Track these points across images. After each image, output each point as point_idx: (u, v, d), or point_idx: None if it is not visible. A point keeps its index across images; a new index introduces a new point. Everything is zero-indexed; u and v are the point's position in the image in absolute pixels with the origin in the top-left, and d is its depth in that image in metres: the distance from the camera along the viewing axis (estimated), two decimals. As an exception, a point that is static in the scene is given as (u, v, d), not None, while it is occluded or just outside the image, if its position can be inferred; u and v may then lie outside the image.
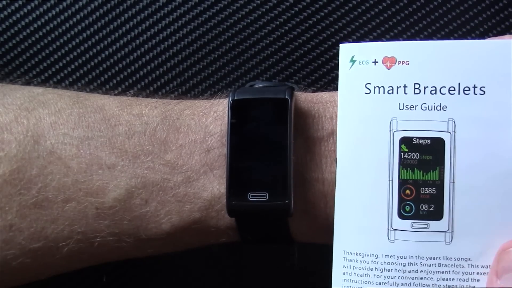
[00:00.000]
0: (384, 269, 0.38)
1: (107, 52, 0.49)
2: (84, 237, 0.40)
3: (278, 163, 0.39)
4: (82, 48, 0.49)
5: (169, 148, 0.40)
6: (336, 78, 0.49)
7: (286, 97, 0.39)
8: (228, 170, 0.39)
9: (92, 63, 0.49)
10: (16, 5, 0.49)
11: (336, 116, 0.41)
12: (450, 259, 0.37)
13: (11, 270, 0.40)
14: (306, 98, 0.41)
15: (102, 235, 0.40)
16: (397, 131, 0.38)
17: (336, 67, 0.49)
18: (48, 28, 0.49)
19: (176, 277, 0.48)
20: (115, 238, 0.40)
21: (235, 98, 0.39)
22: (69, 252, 0.40)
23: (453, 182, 0.38)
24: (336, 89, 0.49)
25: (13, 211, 0.39)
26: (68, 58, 0.49)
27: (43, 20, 0.49)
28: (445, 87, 0.38)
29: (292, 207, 0.39)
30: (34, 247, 0.40)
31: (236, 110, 0.39)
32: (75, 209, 0.40)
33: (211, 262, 0.45)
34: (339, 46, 0.49)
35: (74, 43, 0.49)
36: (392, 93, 0.38)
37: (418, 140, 0.38)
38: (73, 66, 0.49)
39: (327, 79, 0.49)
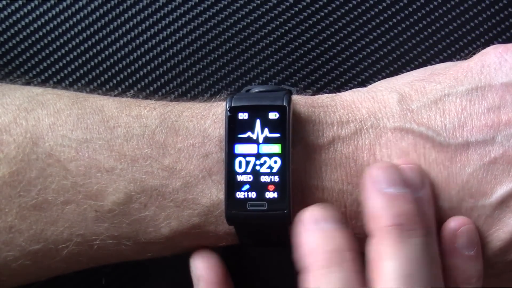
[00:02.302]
0: None
1: (107, 52, 0.49)
2: (84, 240, 0.40)
3: (277, 172, 0.39)
4: (82, 48, 0.49)
5: (167, 152, 0.40)
6: (336, 78, 0.49)
7: (284, 104, 0.39)
8: (226, 180, 0.39)
9: (92, 63, 0.49)
10: (16, 5, 0.49)
11: (337, 122, 0.40)
12: None
13: (11, 271, 0.40)
14: (306, 102, 0.41)
15: (102, 238, 0.40)
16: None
17: (336, 67, 0.49)
18: (48, 28, 0.49)
19: (175, 278, 0.48)
20: (114, 241, 0.40)
21: (232, 105, 0.39)
22: (68, 254, 0.40)
23: None
24: (336, 89, 0.49)
25: (13, 213, 0.39)
26: (68, 58, 0.49)
27: (43, 20, 0.49)
28: None
29: (291, 217, 0.39)
30: (34, 249, 0.40)
31: (233, 117, 0.39)
32: (74, 212, 0.40)
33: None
34: (339, 46, 0.49)
35: (74, 43, 0.49)
36: None
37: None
38: (73, 66, 0.49)
39: (327, 79, 0.49)
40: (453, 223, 0.39)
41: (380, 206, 0.38)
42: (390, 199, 0.38)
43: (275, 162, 0.39)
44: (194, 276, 0.41)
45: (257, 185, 0.39)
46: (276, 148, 0.39)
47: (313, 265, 0.37)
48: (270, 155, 0.39)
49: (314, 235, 0.37)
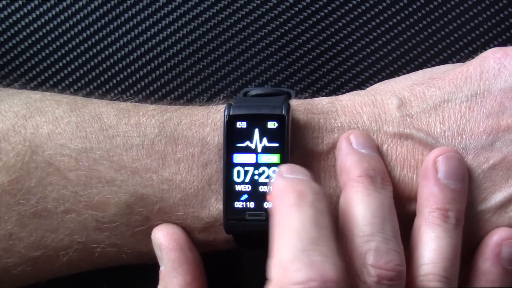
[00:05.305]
0: None
1: (106, 53, 0.49)
2: (84, 247, 0.40)
3: None
4: (82, 48, 0.49)
5: (167, 162, 0.40)
6: (336, 79, 0.49)
7: (283, 113, 0.39)
8: (225, 189, 0.39)
9: (91, 64, 0.49)
10: (16, 5, 0.49)
11: (338, 129, 0.41)
12: None
13: (11, 277, 0.41)
14: (305, 108, 0.41)
15: (102, 246, 0.40)
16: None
17: (335, 67, 0.49)
18: (47, 28, 0.49)
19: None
20: (115, 249, 0.41)
21: (231, 113, 0.39)
22: (68, 260, 0.40)
23: None
24: (335, 90, 0.49)
25: (12, 221, 0.40)
26: (67, 59, 0.49)
27: (42, 20, 0.49)
28: None
29: None
30: (34, 256, 0.40)
31: (231, 126, 0.39)
32: (75, 220, 0.40)
33: (212, 263, 0.45)
34: (338, 47, 0.49)
35: (73, 43, 0.49)
36: None
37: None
38: (72, 67, 0.49)
39: (326, 80, 0.49)
40: (501, 233, 0.40)
41: (353, 161, 0.39)
42: (364, 156, 0.39)
43: (274, 172, 0.39)
44: (156, 247, 0.40)
45: (256, 195, 0.39)
46: (275, 158, 0.39)
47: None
48: (268, 165, 0.39)
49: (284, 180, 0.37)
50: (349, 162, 0.39)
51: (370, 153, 0.39)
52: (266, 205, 0.39)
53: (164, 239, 0.40)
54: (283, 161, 0.39)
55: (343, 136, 0.40)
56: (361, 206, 0.37)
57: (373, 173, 0.38)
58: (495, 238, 0.39)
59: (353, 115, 0.41)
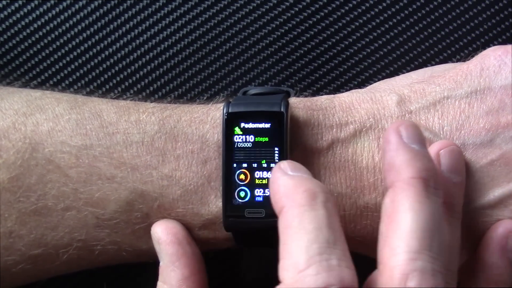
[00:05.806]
0: None
1: (106, 53, 0.49)
2: (84, 245, 0.40)
3: None
4: (82, 48, 0.49)
5: (167, 158, 0.40)
6: (336, 79, 0.49)
7: (282, 110, 0.39)
8: (224, 187, 0.39)
9: (92, 63, 0.49)
10: (16, 5, 0.49)
11: (337, 125, 0.41)
12: None
13: (11, 275, 0.41)
14: (305, 105, 0.41)
15: (102, 244, 0.40)
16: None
17: (335, 67, 0.49)
18: (47, 28, 0.49)
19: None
20: (115, 247, 0.40)
21: (230, 111, 0.39)
22: (68, 258, 0.40)
23: None
24: (335, 89, 0.49)
25: (12, 218, 0.40)
26: (67, 59, 0.49)
27: (43, 20, 0.49)
28: None
29: None
30: (34, 254, 0.40)
31: (230, 123, 0.39)
32: (75, 217, 0.40)
33: (212, 263, 0.45)
34: (338, 46, 0.49)
35: (73, 43, 0.49)
36: None
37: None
38: (72, 66, 0.49)
39: (327, 79, 0.49)
40: (506, 225, 0.39)
41: (404, 158, 0.36)
42: (417, 154, 0.36)
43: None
44: (155, 242, 0.40)
45: (255, 193, 0.39)
46: (274, 155, 0.39)
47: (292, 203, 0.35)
48: (268, 162, 0.39)
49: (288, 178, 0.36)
50: (400, 159, 0.36)
51: (422, 149, 0.37)
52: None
53: (162, 233, 0.40)
54: (282, 158, 0.39)
55: (391, 127, 0.37)
56: (410, 215, 0.34)
57: (427, 175, 0.35)
58: (500, 230, 0.39)
59: (350, 111, 0.41)
